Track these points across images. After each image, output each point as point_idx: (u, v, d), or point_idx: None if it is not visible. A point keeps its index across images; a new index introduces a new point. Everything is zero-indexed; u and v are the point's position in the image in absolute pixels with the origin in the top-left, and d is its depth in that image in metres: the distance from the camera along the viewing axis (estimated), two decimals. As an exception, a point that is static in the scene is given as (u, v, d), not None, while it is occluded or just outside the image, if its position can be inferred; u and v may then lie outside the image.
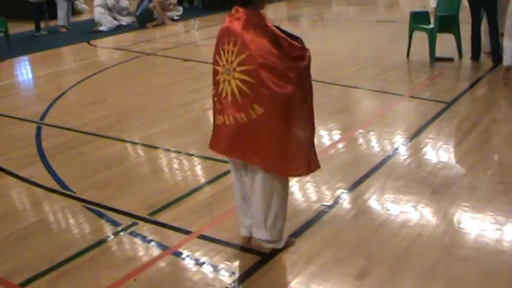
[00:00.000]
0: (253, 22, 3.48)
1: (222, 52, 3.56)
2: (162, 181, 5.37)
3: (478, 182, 4.92)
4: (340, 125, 6.69)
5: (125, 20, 15.40)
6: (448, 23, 9.25)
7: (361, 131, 6.36)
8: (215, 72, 3.66)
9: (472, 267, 3.68)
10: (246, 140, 3.54)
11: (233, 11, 3.58)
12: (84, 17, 17.55)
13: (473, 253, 3.84)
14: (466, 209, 4.45)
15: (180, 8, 16.52)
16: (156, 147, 6.16)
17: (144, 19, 14.95)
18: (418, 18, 9.77)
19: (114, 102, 8.07)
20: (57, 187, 5.28)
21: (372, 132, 6.30)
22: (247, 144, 3.55)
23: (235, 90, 3.48)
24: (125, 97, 8.26)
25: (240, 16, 3.50)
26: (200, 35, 14.22)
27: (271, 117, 3.47)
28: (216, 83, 3.66)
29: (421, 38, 9.67)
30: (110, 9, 15.06)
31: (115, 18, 15.12)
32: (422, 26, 9.57)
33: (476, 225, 4.21)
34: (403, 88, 8.09)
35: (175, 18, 15.75)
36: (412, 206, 4.53)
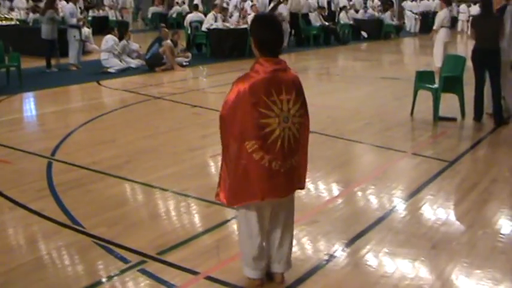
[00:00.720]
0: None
1: (272, 104, 3.72)
2: (170, 223, 5.56)
3: (477, 240, 5.11)
4: (344, 178, 6.89)
5: (134, 63, 15.77)
6: (452, 83, 9.59)
7: (364, 185, 6.57)
8: (263, 126, 3.73)
9: (469, 321, 3.85)
10: (300, 172, 3.99)
11: (267, 63, 3.77)
12: (94, 57, 17.90)
13: (471, 308, 4.01)
14: (464, 265, 4.63)
15: (189, 54, 16.93)
16: (165, 190, 6.36)
17: (154, 63, 15.31)
18: (423, 78, 10.09)
19: (123, 143, 8.30)
20: (68, 222, 5.47)
21: (374, 187, 6.50)
22: (300, 175, 4.00)
23: (296, 133, 3.83)
24: (134, 139, 8.50)
25: (285, 67, 3.83)
26: (208, 82, 14.57)
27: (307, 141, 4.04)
28: (263, 136, 3.74)
29: (425, 97, 9.96)
30: (113, 53, 15.31)
31: (121, 61, 15.43)
32: (427, 85, 9.88)
33: (474, 281, 4.38)
34: (406, 145, 8.35)
35: (184, 63, 16.11)
36: (412, 260, 4.71)
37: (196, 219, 5.68)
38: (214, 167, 7.10)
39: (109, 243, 5.00)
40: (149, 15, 30.41)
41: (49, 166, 7.16)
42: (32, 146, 8.06)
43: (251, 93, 3.72)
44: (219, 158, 7.03)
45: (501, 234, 5.27)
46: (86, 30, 18.45)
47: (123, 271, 4.52)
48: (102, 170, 6.99)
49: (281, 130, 3.76)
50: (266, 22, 3.89)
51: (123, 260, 4.71)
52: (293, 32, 22.23)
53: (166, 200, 6.13)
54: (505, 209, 5.92)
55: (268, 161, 3.78)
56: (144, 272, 4.49)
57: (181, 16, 28.46)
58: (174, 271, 4.51)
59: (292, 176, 3.91)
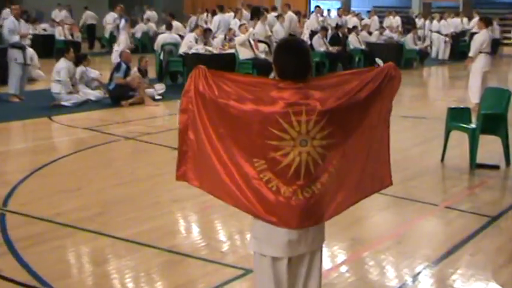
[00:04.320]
0: None
1: (287, 125, 4.03)
2: (163, 284, 6.09)
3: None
4: (359, 237, 7.40)
5: (94, 94, 16.00)
6: (493, 122, 10.09)
7: (389, 242, 7.09)
8: (274, 148, 4.06)
9: None
10: (327, 200, 4.25)
11: (286, 86, 4.10)
12: (40, 86, 18.34)
13: None
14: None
15: (163, 85, 17.30)
16: (150, 246, 6.83)
17: (119, 95, 15.60)
18: (456, 116, 10.58)
19: (91, 191, 8.80)
20: (34, 283, 5.92)
21: (397, 247, 7.02)
22: (328, 203, 4.28)
23: (317, 158, 4.10)
24: (104, 187, 9.02)
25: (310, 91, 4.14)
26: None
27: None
28: (272, 159, 4.08)
29: (459, 139, 10.54)
30: (72, 82, 15.62)
31: (77, 91, 15.69)
32: (461, 125, 10.38)
33: None
34: (437, 198, 8.88)
35: (157, 97, 16.47)
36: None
37: (193, 279, 6.16)
38: (205, 220, 7.60)
39: (89, 307, 5.49)
40: (106, 35, 30.24)
41: (2, 218, 7.61)
42: (-23, 194, 8.51)
43: (273, 116, 4.04)
44: (211, 211, 7.59)
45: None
46: (31, 51, 18.34)
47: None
48: (69, 223, 7.46)
49: (296, 154, 4.08)
50: (288, 47, 4.37)
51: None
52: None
53: (153, 259, 6.59)
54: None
55: (277, 185, 4.13)
56: None
57: (148, 37, 29.17)
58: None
59: (310, 207, 4.17)
